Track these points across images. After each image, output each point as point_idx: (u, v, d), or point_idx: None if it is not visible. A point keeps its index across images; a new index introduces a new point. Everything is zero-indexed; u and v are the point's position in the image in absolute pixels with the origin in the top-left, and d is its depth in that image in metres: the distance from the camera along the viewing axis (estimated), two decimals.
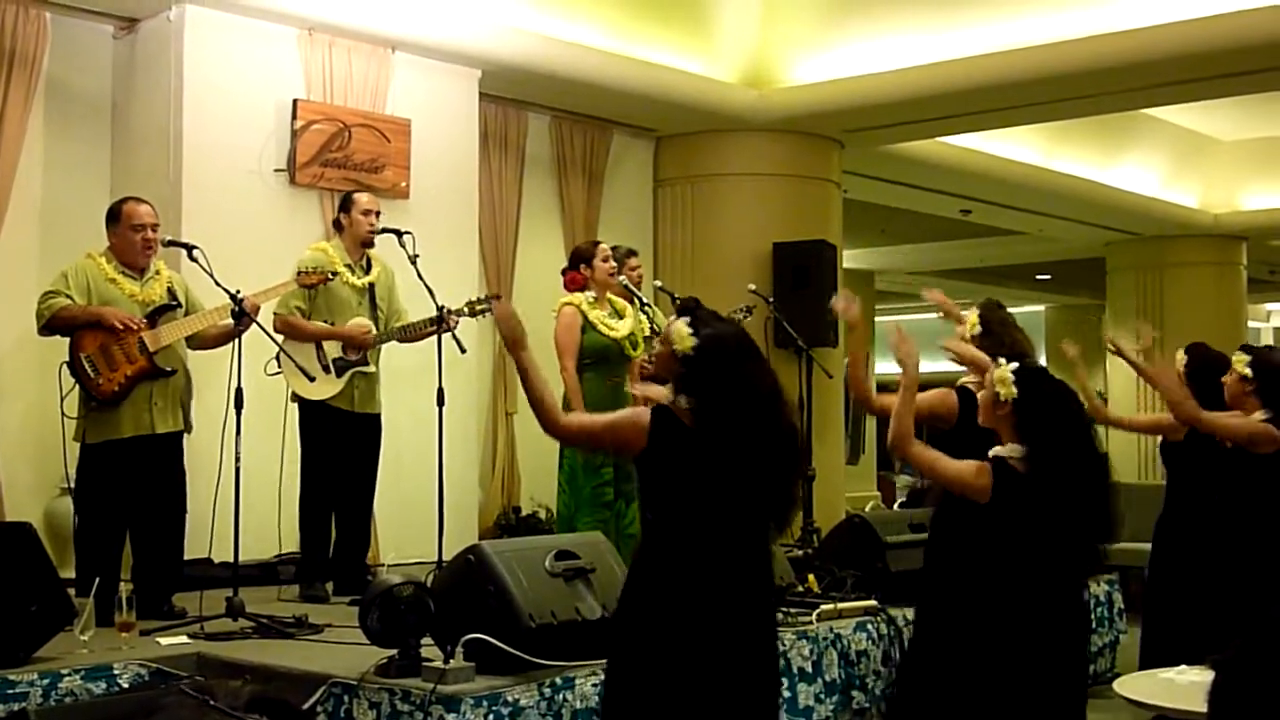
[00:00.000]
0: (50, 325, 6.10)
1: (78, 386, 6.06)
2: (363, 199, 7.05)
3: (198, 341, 6.42)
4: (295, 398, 6.81)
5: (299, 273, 6.64)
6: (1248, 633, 1.51)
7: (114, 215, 6.29)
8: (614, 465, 6.94)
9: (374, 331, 6.86)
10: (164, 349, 6.17)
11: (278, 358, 6.60)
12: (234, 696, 1.29)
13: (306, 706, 4.54)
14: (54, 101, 7.65)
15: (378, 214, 7.03)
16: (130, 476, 6.12)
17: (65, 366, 6.06)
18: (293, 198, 7.99)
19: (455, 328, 6.85)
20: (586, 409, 6.98)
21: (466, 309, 6.99)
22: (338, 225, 7.06)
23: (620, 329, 7.10)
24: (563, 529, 6.95)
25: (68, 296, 6.06)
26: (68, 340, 6.08)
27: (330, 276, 6.71)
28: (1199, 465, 6.43)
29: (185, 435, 6.36)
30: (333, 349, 6.80)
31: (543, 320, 7.39)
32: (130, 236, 6.22)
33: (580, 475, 6.95)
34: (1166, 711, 4.12)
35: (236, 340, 6.19)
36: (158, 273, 6.33)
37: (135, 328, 6.08)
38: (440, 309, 6.77)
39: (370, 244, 6.99)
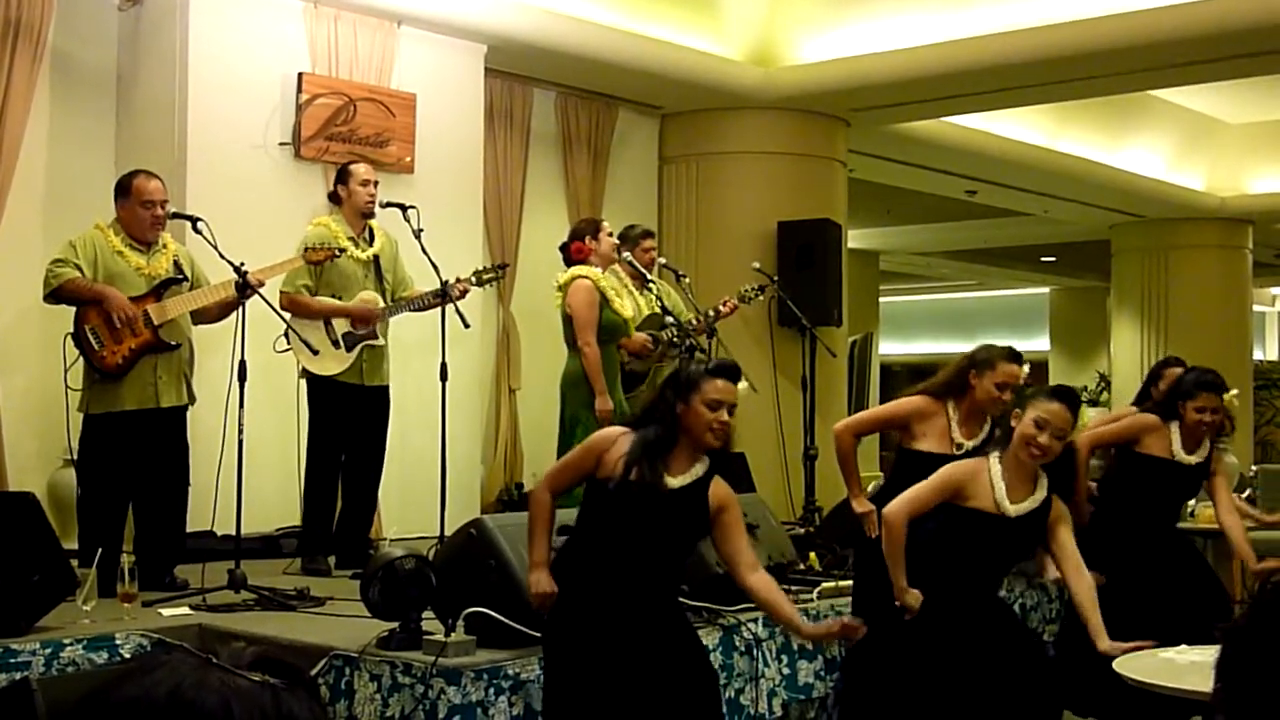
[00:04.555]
0: (56, 294, 6.08)
1: (82, 358, 6.06)
2: (360, 170, 7.02)
3: (201, 316, 6.41)
4: (305, 373, 6.80)
5: (306, 249, 6.63)
6: (1257, 601, 1.50)
7: (124, 189, 6.26)
8: None
9: (382, 303, 6.86)
10: (169, 322, 6.17)
11: (286, 334, 6.60)
12: (237, 655, 1.28)
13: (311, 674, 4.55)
14: (59, 73, 7.63)
15: (376, 184, 7.01)
16: (133, 449, 6.12)
17: (69, 338, 6.06)
18: (297, 171, 7.97)
19: (463, 297, 6.85)
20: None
21: (474, 278, 7.00)
22: (335, 198, 7.04)
23: (628, 309, 7.12)
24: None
25: (76, 267, 6.05)
26: (73, 311, 6.08)
27: (338, 253, 6.70)
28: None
29: (189, 408, 6.36)
30: (341, 323, 6.79)
31: (545, 297, 7.40)
32: (140, 213, 6.19)
33: None
34: (1167, 691, 4.11)
35: (241, 313, 6.18)
36: (164, 246, 6.32)
37: (135, 319, 6.06)
38: (444, 283, 6.77)
39: (370, 214, 6.98)
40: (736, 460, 5.89)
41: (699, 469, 4.22)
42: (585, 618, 4.17)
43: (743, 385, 4.23)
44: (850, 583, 6.06)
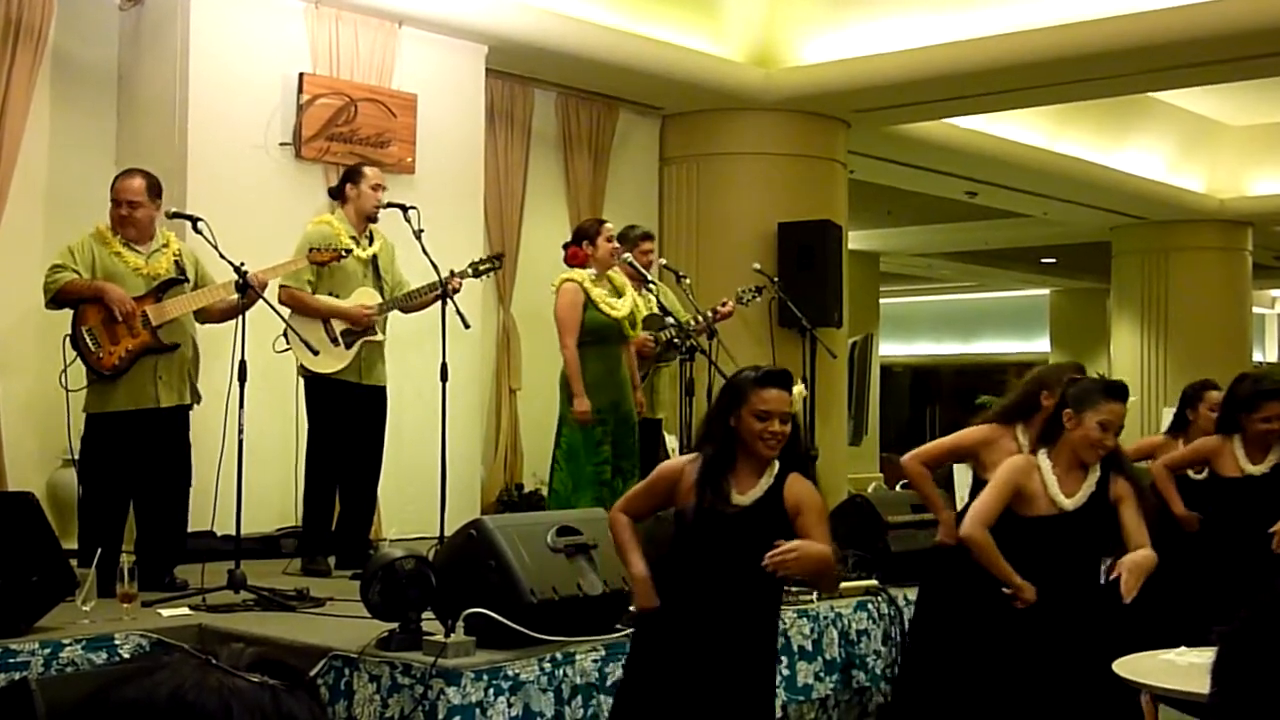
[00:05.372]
0: (57, 299, 6.08)
1: (80, 360, 6.06)
2: (372, 173, 7.03)
3: (205, 316, 6.40)
4: (303, 371, 6.81)
5: (310, 250, 6.63)
6: (1253, 604, 1.51)
7: (111, 186, 6.28)
8: (612, 442, 6.95)
9: (380, 300, 6.86)
10: (169, 323, 6.16)
11: (285, 334, 6.59)
12: (236, 657, 1.29)
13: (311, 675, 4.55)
14: (60, 73, 7.63)
15: (385, 189, 7.03)
16: (134, 448, 6.12)
17: (67, 339, 6.05)
18: (298, 171, 7.98)
19: (459, 291, 6.85)
20: (586, 388, 7.01)
21: (470, 269, 7.01)
22: (339, 195, 7.04)
23: (620, 308, 7.09)
24: (557, 507, 6.96)
25: (74, 271, 6.05)
26: (71, 312, 6.07)
27: (343, 254, 6.70)
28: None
29: (192, 408, 6.36)
30: (340, 321, 6.79)
31: (545, 298, 7.39)
32: (112, 210, 6.21)
33: (582, 454, 6.96)
34: (1166, 693, 4.11)
35: (242, 314, 6.18)
36: (165, 245, 6.31)
37: (134, 314, 6.05)
38: (443, 280, 6.76)
39: (374, 219, 6.99)
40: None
41: (767, 480, 4.08)
42: (674, 635, 4.11)
43: (798, 389, 4.17)
44: (852, 584, 6.07)
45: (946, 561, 5.34)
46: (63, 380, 6.07)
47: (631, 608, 4.39)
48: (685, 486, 4.11)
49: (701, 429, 4.28)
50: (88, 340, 6.03)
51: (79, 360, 6.06)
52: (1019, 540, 4.74)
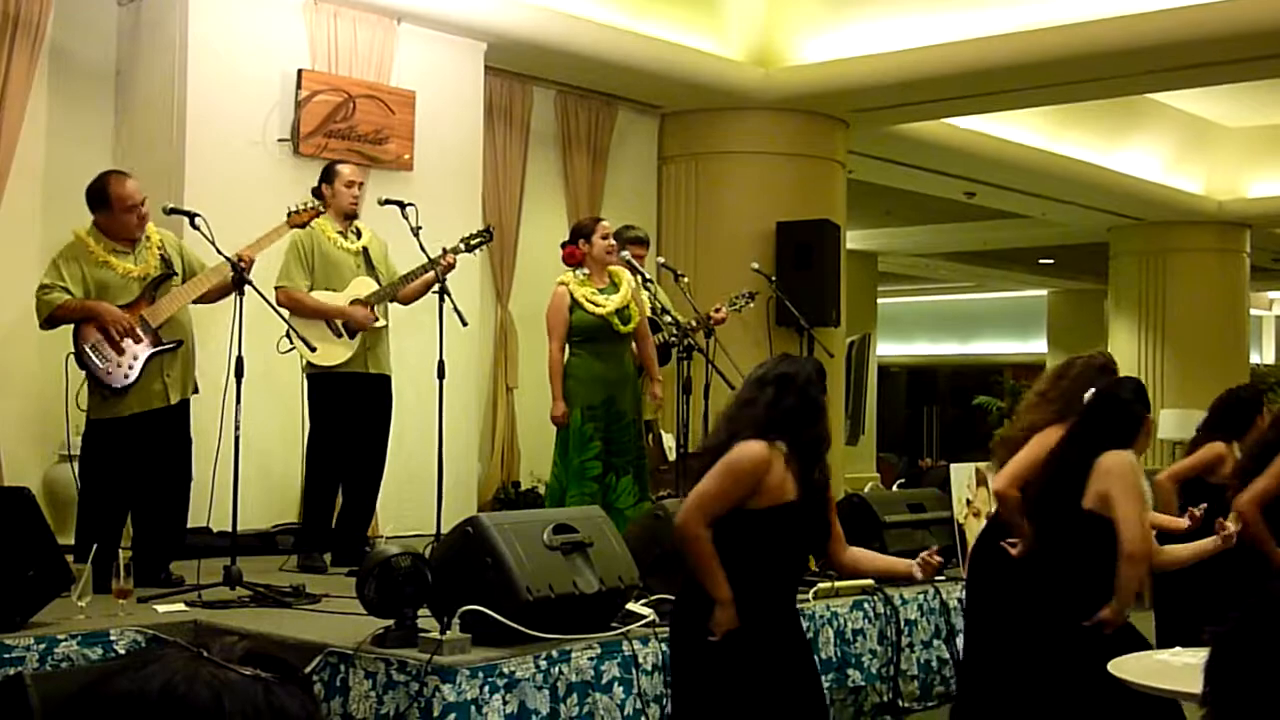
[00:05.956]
0: (51, 320, 6.04)
1: (87, 377, 6.02)
2: (345, 171, 7.02)
3: (201, 299, 6.37)
4: (310, 369, 6.78)
5: (290, 213, 6.57)
6: (1246, 605, 1.51)
7: (101, 198, 6.11)
8: (604, 440, 6.95)
9: (376, 287, 6.85)
10: (167, 321, 6.15)
11: (288, 335, 6.57)
12: (229, 650, 1.29)
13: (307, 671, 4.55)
14: (58, 69, 7.62)
15: (361, 185, 7.02)
16: (139, 449, 6.09)
17: (71, 358, 5.99)
18: (296, 168, 7.96)
19: (454, 267, 6.84)
20: (578, 386, 7.02)
21: (462, 245, 7.00)
22: (318, 195, 7.02)
23: (608, 305, 7.07)
24: (553, 503, 6.98)
25: (64, 290, 5.99)
26: (70, 330, 6.03)
27: (322, 209, 6.68)
28: None
29: (192, 397, 6.35)
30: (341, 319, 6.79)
31: (543, 295, 7.39)
32: (124, 218, 6.10)
33: (571, 449, 6.96)
34: (1161, 693, 4.11)
35: (238, 310, 6.16)
36: (149, 238, 6.24)
37: (132, 328, 6.03)
38: (431, 259, 6.73)
39: (354, 215, 6.98)
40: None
41: None
42: (761, 633, 4.07)
43: None
44: (848, 583, 6.07)
45: (1011, 570, 5.23)
46: (77, 402, 6.05)
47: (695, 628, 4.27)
48: (778, 475, 4.01)
49: (788, 416, 4.06)
50: (94, 358, 5.98)
51: (86, 377, 6.02)
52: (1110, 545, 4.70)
